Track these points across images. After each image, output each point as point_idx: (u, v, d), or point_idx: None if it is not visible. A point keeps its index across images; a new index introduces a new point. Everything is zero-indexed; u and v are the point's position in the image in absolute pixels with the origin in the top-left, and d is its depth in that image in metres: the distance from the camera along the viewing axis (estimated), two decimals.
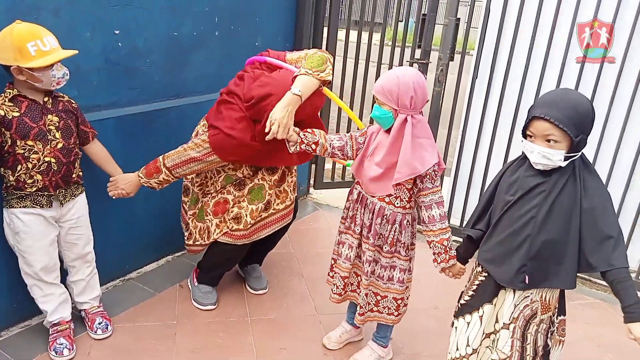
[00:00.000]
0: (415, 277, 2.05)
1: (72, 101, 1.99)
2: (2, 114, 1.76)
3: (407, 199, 1.87)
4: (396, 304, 2.00)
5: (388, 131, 1.82)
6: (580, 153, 1.50)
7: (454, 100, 3.22)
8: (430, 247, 1.85)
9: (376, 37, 3.80)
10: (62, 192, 1.94)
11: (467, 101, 3.18)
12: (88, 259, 2.13)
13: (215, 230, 2.24)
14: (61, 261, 2.08)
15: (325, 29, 3.58)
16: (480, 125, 3.13)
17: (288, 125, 1.86)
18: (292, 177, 2.35)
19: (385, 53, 3.53)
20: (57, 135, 1.87)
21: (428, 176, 1.80)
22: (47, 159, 1.85)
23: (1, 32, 1.74)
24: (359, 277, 2.04)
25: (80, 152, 2.02)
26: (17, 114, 1.79)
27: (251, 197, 2.23)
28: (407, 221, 1.90)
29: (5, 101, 1.78)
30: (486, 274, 1.69)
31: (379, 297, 2.01)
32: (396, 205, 1.88)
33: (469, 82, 3.15)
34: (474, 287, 1.72)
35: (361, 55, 3.57)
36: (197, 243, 2.31)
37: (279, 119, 1.84)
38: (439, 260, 1.83)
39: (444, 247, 1.81)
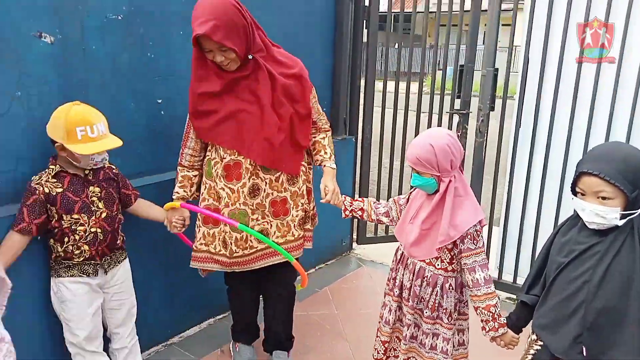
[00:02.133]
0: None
1: (113, 166, 2.04)
2: (47, 191, 1.83)
3: (448, 261, 1.77)
4: None
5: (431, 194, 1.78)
6: (639, 211, 1.37)
7: (498, 148, 3.12)
8: (477, 314, 1.73)
9: (417, 87, 3.80)
10: (107, 259, 1.98)
11: (512, 150, 3.07)
12: (131, 325, 2.12)
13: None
14: (105, 329, 2.09)
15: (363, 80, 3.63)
16: (528, 174, 3.00)
17: (338, 192, 2.06)
18: (298, 211, 2.14)
19: (424, 102, 3.52)
20: (100, 205, 1.92)
21: (469, 236, 1.71)
22: (92, 229, 1.90)
23: (59, 109, 1.82)
24: (401, 342, 1.93)
25: (123, 217, 2.06)
26: (60, 190, 1.85)
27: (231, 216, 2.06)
28: (450, 285, 1.79)
29: (49, 178, 1.84)
30: (542, 343, 1.55)
31: None
32: (437, 267, 1.78)
33: (513, 127, 3.05)
34: (529, 357, 1.58)
35: (400, 105, 3.57)
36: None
37: (332, 189, 2.05)
38: (487, 329, 1.70)
39: (491, 314, 1.69)
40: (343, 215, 2.04)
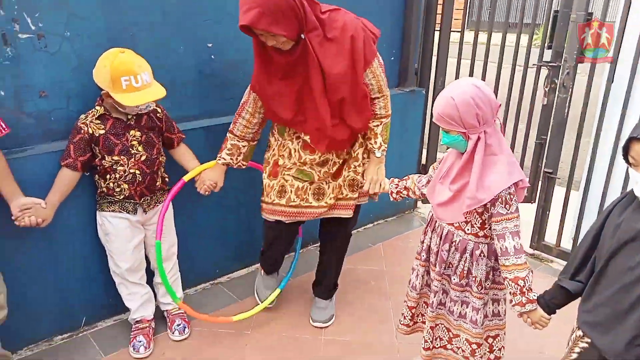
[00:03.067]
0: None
1: (158, 109, 2.07)
2: (91, 132, 1.92)
3: (479, 226, 1.60)
4: (470, 348, 1.71)
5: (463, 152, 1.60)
6: None
7: (584, 106, 2.72)
8: (505, 285, 1.56)
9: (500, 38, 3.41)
10: (146, 200, 2.07)
11: (601, 107, 2.68)
12: (172, 262, 2.23)
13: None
14: (148, 263, 2.22)
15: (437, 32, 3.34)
16: (618, 134, 2.60)
17: (380, 180, 2.04)
18: (349, 172, 2.12)
19: (507, 54, 3.15)
20: (140, 148, 1.99)
21: (500, 200, 1.51)
22: (132, 170, 1.98)
23: (104, 55, 1.86)
24: (429, 308, 1.81)
25: (164, 159, 2.12)
26: (102, 132, 1.92)
27: (296, 174, 2.09)
28: (482, 253, 1.62)
29: (93, 119, 1.92)
30: (589, 341, 1.35)
31: (451, 334, 1.76)
32: (466, 232, 1.62)
33: (604, 82, 2.64)
34: (574, 355, 1.39)
35: (479, 56, 3.24)
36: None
37: (371, 178, 2.08)
38: (514, 302, 1.53)
39: (519, 287, 1.51)
40: (391, 199, 1.95)
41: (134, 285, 2.14)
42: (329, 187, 2.12)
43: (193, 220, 2.41)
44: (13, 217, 1.81)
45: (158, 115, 2.08)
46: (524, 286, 1.51)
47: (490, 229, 1.59)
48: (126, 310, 2.29)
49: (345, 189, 2.14)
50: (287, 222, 2.14)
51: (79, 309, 2.21)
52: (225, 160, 2.15)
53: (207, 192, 2.20)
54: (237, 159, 2.17)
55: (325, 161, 2.08)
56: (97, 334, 2.22)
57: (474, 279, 1.64)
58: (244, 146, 2.16)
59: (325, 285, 2.39)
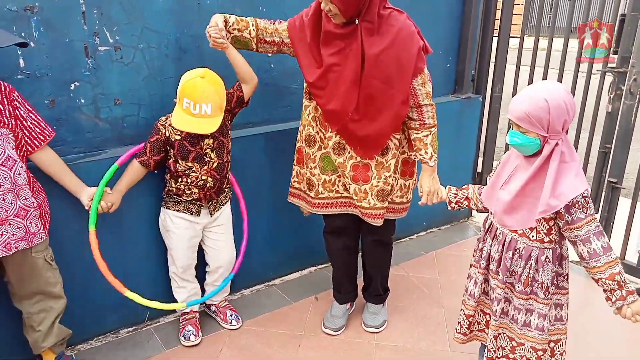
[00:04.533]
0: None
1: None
2: (167, 134, 2.02)
3: (545, 232, 1.58)
4: (536, 355, 1.68)
5: (529, 155, 1.58)
6: None
7: None
8: (600, 286, 1.54)
9: (560, 44, 3.32)
10: (213, 203, 2.16)
11: None
12: (228, 267, 2.31)
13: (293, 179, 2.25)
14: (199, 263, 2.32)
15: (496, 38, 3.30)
16: None
17: (436, 190, 2.01)
18: (379, 182, 2.06)
19: (570, 60, 3.06)
20: (213, 155, 2.06)
21: (577, 205, 1.50)
22: (203, 177, 2.06)
23: (188, 72, 1.94)
24: (487, 316, 1.79)
25: (230, 158, 2.18)
26: (178, 137, 2.01)
27: (324, 165, 2.10)
28: (547, 258, 1.60)
29: (171, 122, 1.97)
30: None
31: (514, 343, 1.73)
32: (531, 238, 1.60)
33: None
34: None
35: (539, 62, 3.17)
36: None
37: (427, 190, 2.03)
38: (614, 299, 1.52)
39: (616, 282, 1.50)
40: (448, 208, 1.94)
41: (184, 281, 2.25)
42: (351, 187, 2.08)
43: (247, 219, 2.48)
44: (86, 207, 1.94)
45: (229, 125, 2.15)
46: (620, 280, 1.50)
47: (557, 234, 1.57)
48: None
49: (372, 198, 2.08)
50: (313, 211, 2.18)
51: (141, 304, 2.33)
52: (226, 16, 1.98)
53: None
54: (233, 26, 2.00)
55: (340, 147, 2.05)
56: (159, 329, 2.34)
57: (539, 285, 1.62)
58: (250, 29, 2.01)
59: (372, 290, 2.40)
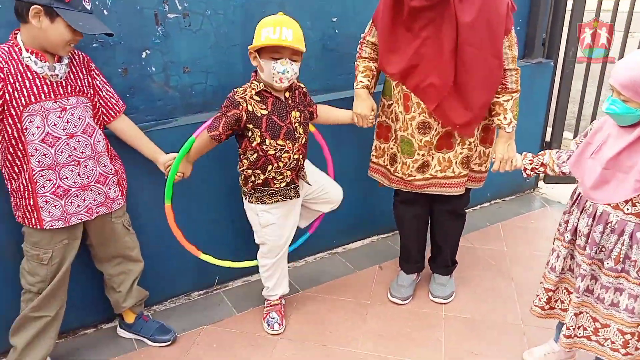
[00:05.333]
0: None
1: (302, 85, 2.01)
2: (251, 109, 1.79)
3: None
4: (623, 339, 1.58)
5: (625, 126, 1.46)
6: None
7: None
8: None
9: None
10: (303, 174, 2.01)
11: None
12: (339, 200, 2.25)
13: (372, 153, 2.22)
14: None
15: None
16: None
17: (511, 158, 1.94)
18: (463, 148, 2.03)
19: None
20: (301, 130, 1.91)
21: None
22: (295, 156, 1.90)
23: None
24: (570, 295, 1.71)
25: None
26: (265, 112, 1.81)
27: (402, 148, 2.05)
28: None
29: (252, 94, 1.80)
30: None
31: (598, 325, 1.64)
32: (626, 212, 1.49)
33: None
34: None
35: (619, 26, 2.93)
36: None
37: (501, 157, 1.97)
38: None
39: None
40: (524, 176, 1.86)
41: (274, 265, 2.12)
42: (433, 158, 2.03)
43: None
44: (165, 173, 1.95)
45: (303, 89, 2.00)
46: None
47: None
48: (254, 272, 2.43)
49: (457, 166, 2.05)
50: (391, 186, 2.15)
51: (213, 268, 2.38)
52: (363, 82, 2.07)
53: (369, 122, 2.11)
54: (372, 81, 2.09)
55: (425, 127, 1.97)
56: (229, 293, 2.40)
57: (632, 263, 1.51)
58: (375, 67, 2.09)
59: (441, 261, 2.35)
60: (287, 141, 1.87)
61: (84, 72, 1.73)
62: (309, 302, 2.32)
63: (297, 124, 1.90)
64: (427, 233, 2.36)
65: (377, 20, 2.00)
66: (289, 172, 1.92)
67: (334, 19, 2.39)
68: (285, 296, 2.29)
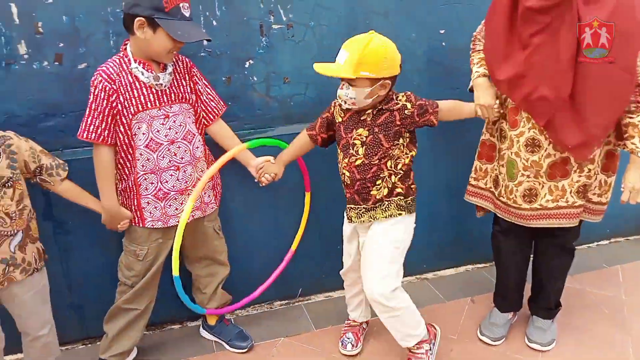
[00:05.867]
0: None
1: (408, 105, 1.74)
2: (334, 114, 1.83)
3: None
4: None
5: None
6: None
7: None
8: None
9: None
10: (356, 208, 1.83)
11: None
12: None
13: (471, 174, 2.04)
14: None
15: None
16: None
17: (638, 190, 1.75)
18: (580, 176, 1.80)
19: None
20: (360, 151, 1.74)
21: None
22: (343, 170, 1.81)
23: (377, 46, 1.65)
24: None
25: (393, 169, 1.76)
26: (340, 120, 1.81)
27: (506, 170, 1.87)
28: None
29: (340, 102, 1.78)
30: None
31: None
32: None
33: None
34: None
35: None
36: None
37: (632, 186, 1.74)
38: None
39: None
40: None
41: (351, 287, 2.08)
42: (543, 187, 1.82)
43: None
44: (255, 177, 1.95)
45: (406, 111, 1.74)
46: None
47: None
48: (338, 288, 2.38)
49: (572, 195, 1.81)
50: (496, 212, 1.95)
51: (296, 280, 2.38)
52: (480, 72, 1.88)
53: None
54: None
55: (534, 144, 1.78)
56: (310, 306, 2.37)
57: None
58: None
59: (542, 302, 2.10)
60: (340, 152, 1.82)
61: (187, 78, 1.80)
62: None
63: (357, 142, 1.75)
64: (529, 268, 2.13)
65: (489, 22, 1.82)
66: (345, 188, 1.84)
67: (442, 31, 2.26)
68: (366, 320, 2.19)
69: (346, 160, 1.78)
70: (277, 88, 2.11)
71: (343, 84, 1.70)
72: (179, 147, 1.76)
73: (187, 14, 1.65)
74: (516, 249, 2.05)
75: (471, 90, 1.96)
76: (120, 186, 1.81)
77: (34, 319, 1.69)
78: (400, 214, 1.80)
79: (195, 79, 1.83)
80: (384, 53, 1.65)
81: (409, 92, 1.78)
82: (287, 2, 2.01)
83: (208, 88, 1.88)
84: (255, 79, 2.07)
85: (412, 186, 1.86)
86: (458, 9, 2.24)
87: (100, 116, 1.66)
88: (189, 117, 1.79)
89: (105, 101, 1.65)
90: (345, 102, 1.71)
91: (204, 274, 2.01)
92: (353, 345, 2.05)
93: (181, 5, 1.61)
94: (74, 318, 2.08)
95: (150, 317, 1.98)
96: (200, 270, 2.01)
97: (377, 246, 1.81)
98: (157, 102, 1.70)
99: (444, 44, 2.29)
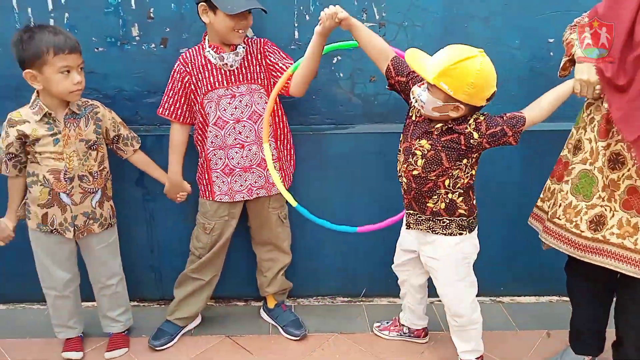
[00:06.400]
0: None
1: (474, 135, 1.59)
2: (413, 105, 1.66)
3: None
4: None
5: None
6: None
7: None
8: None
9: None
10: (413, 214, 1.78)
11: None
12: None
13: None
14: None
15: None
16: None
17: None
18: None
19: None
20: (419, 162, 1.65)
21: None
22: (400, 173, 1.75)
23: (471, 67, 1.50)
24: None
25: (451, 187, 1.67)
26: (411, 120, 1.72)
27: (579, 185, 1.64)
28: None
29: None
30: None
31: None
32: None
33: None
34: None
35: None
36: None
37: None
38: None
39: None
40: None
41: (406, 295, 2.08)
42: (614, 215, 1.57)
43: (480, 230, 2.22)
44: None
45: (472, 140, 1.59)
46: None
47: None
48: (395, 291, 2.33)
49: None
50: (545, 241, 1.75)
51: (362, 279, 2.37)
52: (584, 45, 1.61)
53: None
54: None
55: (617, 160, 1.55)
56: (371, 308, 2.35)
57: None
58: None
59: (622, 354, 1.81)
60: (402, 156, 1.71)
61: (259, 57, 1.85)
62: (449, 344, 2.10)
63: (418, 152, 1.65)
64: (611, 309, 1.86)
65: (601, 14, 1.54)
66: (402, 192, 1.77)
67: (551, 40, 2.08)
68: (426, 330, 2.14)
69: (405, 166, 1.71)
70: (361, 86, 2.11)
71: (423, 83, 1.62)
72: (244, 126, 1.85)
73: None
74: (589, 294, 1.82)
75: (563, 70, 1.74)
76: (199, 161, 1.96)
77: (103, 269, 1.91)
78: (461, 234, 1.73)
79: (267, 53, 1.86)
80: (474, 77, 1.50)
81: (482, 118, 1.61)
82: (381, 1, 1.99)
83: (283, 56, 1.87)
84: (341, 74, 2.09)
85: (475, 204, 1.76)
86: (570, 18, 2.03)
87: (176, 96, 1.85)
88: (260, 98, 1.86)
89: (179, 82, 1.84)
90: (416, 101, 1.61)
91: (265, 258, 2.10)
92: (385, 328, 2.10)
93: None
94: (152, 279, 2.30)
95: (217, 290, 2.12)
96: (264, 254, 2.10)
97: (448, 264, 1.78)
98: (224, 82, 1.82)
99: (552, 53, 2.10)
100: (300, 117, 2.12)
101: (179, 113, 1.87)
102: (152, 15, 1.96)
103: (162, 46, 2.00)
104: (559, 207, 1.71)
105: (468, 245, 1.77)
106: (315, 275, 2.35)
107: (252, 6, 1.72)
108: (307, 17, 2.00)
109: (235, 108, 1.84)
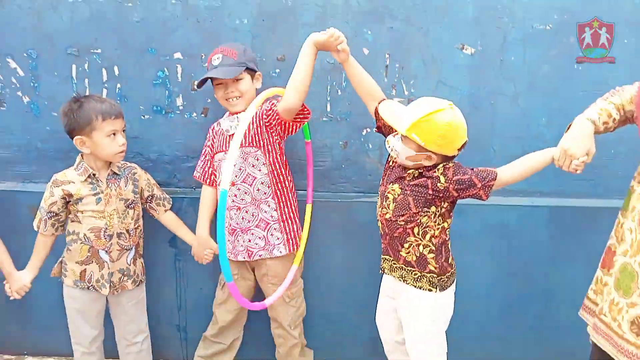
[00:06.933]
0: None
1: (441, 179, 1.61)
2: (389, 159, 1.78)
3: None
4: None
5: None
6: None
7: None
8: None
9: None
10: (388, 262, 1.81)
11: None
12: None
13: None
14: None
15: None
16: None
17: None
18: None
19: None
20: (391, 206, 1.69)
21: None
22: (378, 218, 1.77)
23: (441, 120, 1.56)
24: None
25: (420, 236, 1.68)
26: (389, 165, 1.80)
27: (620, 280, 1.50)
28: None
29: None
30: None
31: None
32: None
33: None
34: None
35: None
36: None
37: None
38: None
39: None
40: None
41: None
42: None
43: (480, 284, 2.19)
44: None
45: (439, 184, 1.61)
46: None
47: None
48: None
49: None
50: (592, 338, 1.59)
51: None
52: (591, 116, 1.54)
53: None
54: (601, 124, 1.55)
55: None
56: None
57: None
58: (617, 117, 1.56)
59: None
60: (379, 199, 1.77)
61: (256, 119, 1.85)
62: None
63: (390, 195, 1.70)
64: None
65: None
66: (381, 236, 1.78)
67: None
68: None
69: (380, 209, 1.76)
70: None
71: (397, 133, 1.66)
72: (238, 189, 1.90)
73: (215, 63, 1.86)
74: None
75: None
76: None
77: (132, 325, 1.96)
78: (430, 290, 1.71)
79: (263, 114, 1.83)
80: (444, 130, 1.56)
81: (451, 165, 1.63)
82: (410, 78, 2.10)
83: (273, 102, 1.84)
84: (370, 146, 2.17)
85: (450, 263, 1.74)
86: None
87: (204, 158, 2.01)
88: (256, 160, 1.86)
89: (207, 148, 2.00)
90: (391, 150, 1.66)
91: (275, 333, 2.07)
92: None
93: (214, 57, 1.86)
94: (178, 338, 2.32)
95: (240, 354, 2.11)
96: (273, 329, 2.08)
97: (416, 318, 1.75)
98: (224, 146, 1.94)
99: None
100: (331, 185, 2.19)
101: (205, 176, 2.02)
102: (195, 87, 2.11)
103: (202, 115, 2.14)
104: (605, 302, 1.58)
105: (440, 304, 1.74)
106: (340, 340, 2.31)
107: (210, 75, 1.83)
108: (339, 92, 2.11)
109: None
